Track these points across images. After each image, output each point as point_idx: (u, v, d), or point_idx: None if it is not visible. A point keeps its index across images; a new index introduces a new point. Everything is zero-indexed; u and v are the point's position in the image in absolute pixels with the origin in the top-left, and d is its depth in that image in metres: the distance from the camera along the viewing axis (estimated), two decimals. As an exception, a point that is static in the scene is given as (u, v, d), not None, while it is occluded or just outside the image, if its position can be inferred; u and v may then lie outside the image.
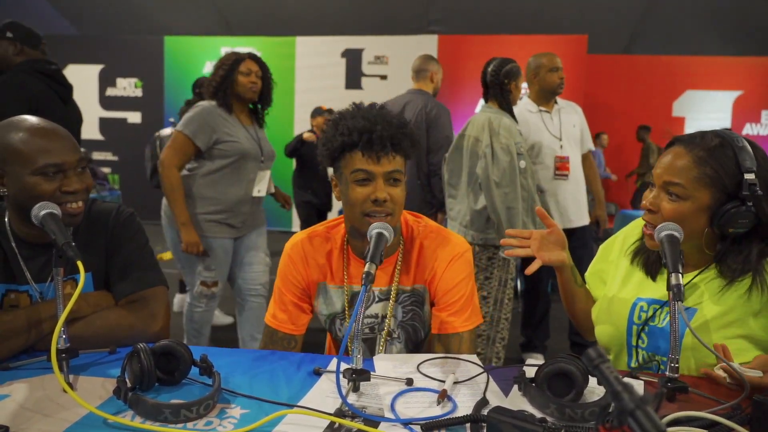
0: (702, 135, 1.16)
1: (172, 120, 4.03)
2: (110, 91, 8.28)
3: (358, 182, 1.23)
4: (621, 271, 1.33)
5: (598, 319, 1.33)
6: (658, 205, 1.17)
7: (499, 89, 2.73)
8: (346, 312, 1.36)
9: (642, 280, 1.28)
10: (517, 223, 2.59)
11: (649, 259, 1.27)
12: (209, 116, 2.54)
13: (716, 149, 1.13)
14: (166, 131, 3.90)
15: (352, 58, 7.68)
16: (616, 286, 1.32)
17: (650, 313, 1.22)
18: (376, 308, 1.36)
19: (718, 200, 1.13)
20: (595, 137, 7.39)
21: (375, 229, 1.15)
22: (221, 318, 3.99)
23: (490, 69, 2.76)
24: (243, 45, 7.97)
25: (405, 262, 1.35)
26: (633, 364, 1.24)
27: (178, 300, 4.13)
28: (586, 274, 1.44)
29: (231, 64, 2.59)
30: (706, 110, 7.73)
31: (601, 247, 1.42)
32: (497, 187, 2.59)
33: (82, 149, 1.40)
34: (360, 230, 1.26)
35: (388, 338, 1.36)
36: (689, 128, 7.67)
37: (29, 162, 1.15)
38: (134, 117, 8.27)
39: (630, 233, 1.36)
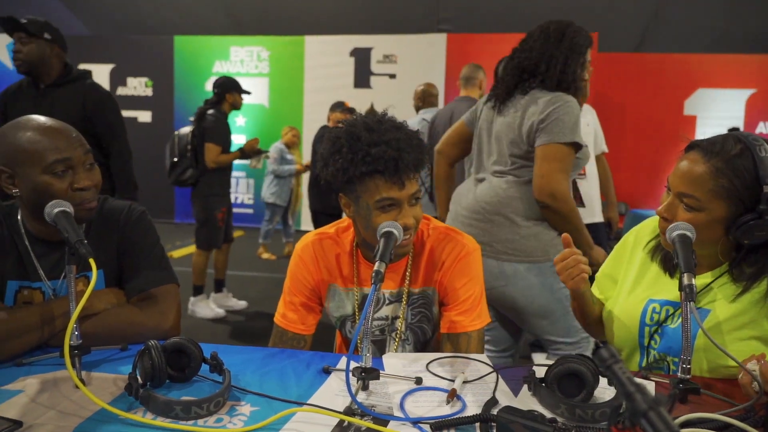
0: (723, 141, 1.12)
1: (192, 118, 4.05)
2: (121, 91, 8.33)
3: (382, 209, 1.20)
4: (633, 271, 1.31)
5: (608, 318, 1.32)
6: (674, 213, 1.15)
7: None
8: (357, 314, 1.36)
9: (656, 280, 1.27)
10: None
11: (668, 255, 1.25)
12: (579, 116, 1.86)
13: (735, 159, 1.09)
14: (185, 129, 3.93)
15: (361, 57, 7.67)
16: (628, 285, 1.31)
17: (663, 314, 1.21)
18: (386, 310, 1.36)
19: (734, 212, 1.10)
20: None
21: (385, 228, 1.15)
22: (236, 303, 4.06)
23: (501, 68, 2.75)
24: (252, 44, 8.00)
25: (415, 265, 1.35)
26: (644, 365, 1.23)
27: (190, 303, 4.12)
28: (597, 274, 1.42)
29: (587, 47, 1.92)
30: (718, 109, 7.64)
31: (615, 248, 1.40)
32: None
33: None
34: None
35: (399, 340, 1.36)
36: (701, 127, 7.59)
37: (38, 160, 1.16)
38: (144, 116, 8.32)
39: (642, 231, 1.35)
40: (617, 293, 1.33)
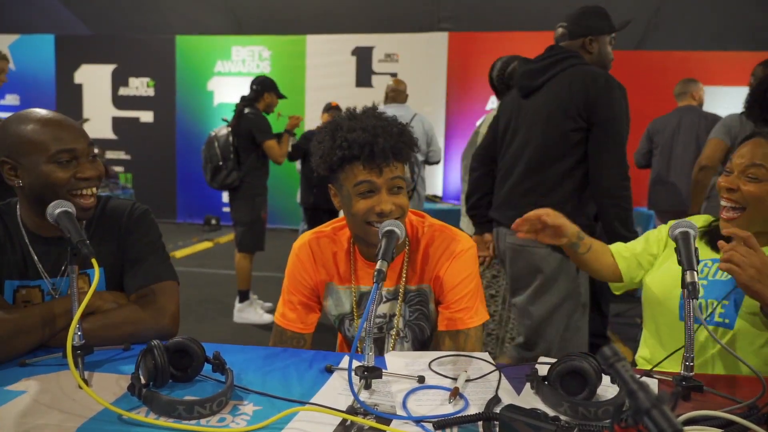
0: None
1: (225, 118, 4.00)
2: (123, 91, 8.34)
3: (361, 195, 1.21)
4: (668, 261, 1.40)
5: (648, 291, 1.41)
6: (738, 185, 1.26)
7: (506, 89, 2.73)
8: (355, 312, 1.37)
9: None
10: None
11: (714, 233, 1.35)
12: None
13: None
14: (222, 131, 3.85)
15: (363, 56, 7.66)
16: (667, 261, 1.40)
17: (711, 270, 1.31)
18: (383, 308, 1.36)
19: None
20: None
21: (386, 227, 1.15)
22: (264, 316, 3.91)
23: (495, 72, 2.77)
24: (254, 44, 8.00)
25: (411, 262, 1.35)
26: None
27: (236, 309, 3.96)
28: (625, 253, 1.49)
29: None
30: (722, 106, 7.59)
31: (646, 234, 1.50)
32: None
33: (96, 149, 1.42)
34: (364, 239, 1.26)
35: (397, 337, 1.36)
36: (703, 124, 7.57)
37: (43, 150, 1.18)
38: (146, 116, 8.33)
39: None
40: (657, 266, 1.42)
